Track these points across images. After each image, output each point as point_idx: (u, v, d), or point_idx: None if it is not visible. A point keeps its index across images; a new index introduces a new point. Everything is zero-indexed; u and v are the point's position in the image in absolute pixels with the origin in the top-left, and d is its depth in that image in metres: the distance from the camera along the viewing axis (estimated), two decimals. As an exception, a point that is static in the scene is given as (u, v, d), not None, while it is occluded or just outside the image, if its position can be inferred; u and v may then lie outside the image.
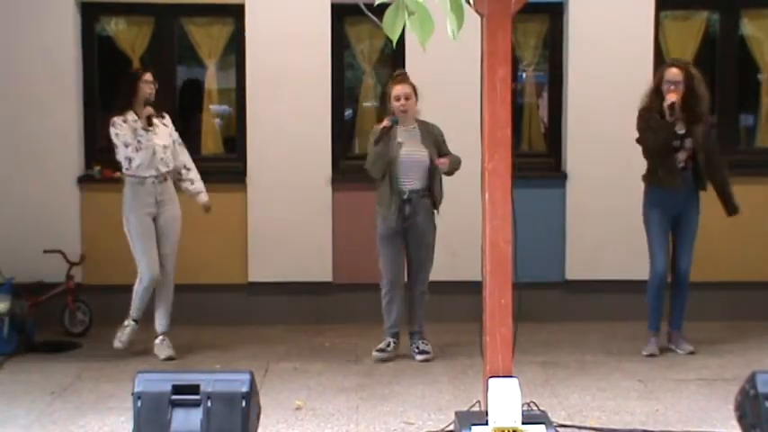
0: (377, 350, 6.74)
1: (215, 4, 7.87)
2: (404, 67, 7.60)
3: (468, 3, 3.65)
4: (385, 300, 6.79)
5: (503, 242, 4.60)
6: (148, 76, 6.74)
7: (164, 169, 6.72)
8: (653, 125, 6.68)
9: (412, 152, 6.65)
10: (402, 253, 6.77)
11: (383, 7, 3.49)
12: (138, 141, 6.59)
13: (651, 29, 7.80)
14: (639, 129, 6.78)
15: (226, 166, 7.97)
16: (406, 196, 6.66)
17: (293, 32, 7.69)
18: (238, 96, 7.94)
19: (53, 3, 7.66)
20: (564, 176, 7.88)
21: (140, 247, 6.71)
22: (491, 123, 4.59)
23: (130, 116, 6.66)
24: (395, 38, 3.49)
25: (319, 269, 7.80)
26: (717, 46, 8.11)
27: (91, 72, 7.84)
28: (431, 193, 6.71)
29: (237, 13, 7.79)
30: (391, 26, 3.46)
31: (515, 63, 7.90)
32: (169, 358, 6.79)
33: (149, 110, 6.65)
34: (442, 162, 6.60)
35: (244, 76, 7.81)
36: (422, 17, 3.41)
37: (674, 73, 6.67)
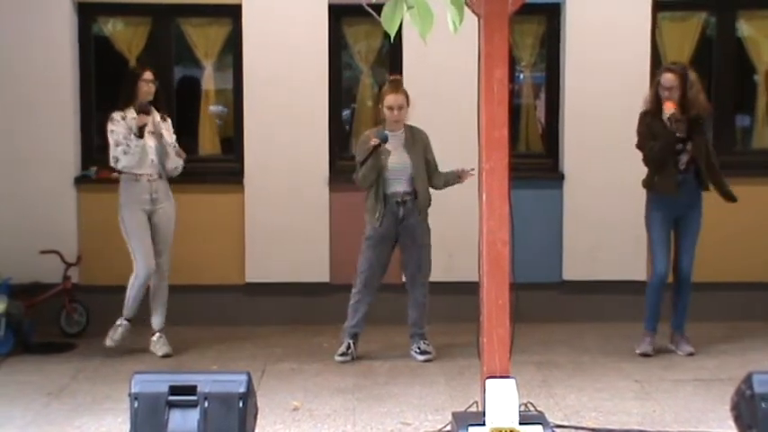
0: (339, 355, 6.75)
1: (212, 5, 7.86)
2: (401, 67, 7.62)
3: (466, 3, 3.65)
4: (354, 299, 6.81)
5: (500, 243, 4.60)
6: (148, 75, 6.78)
7: (154, 169, 6.77)
8: (654, 131, 6.68)
9: (399, 158, 6.67)
10: (385, 258, 6.78)
11: (382, 4, 3.49)
12: (128, 145, 6.62)
13: (648, 30, 7.80)
14: (639, 133, 6.79)
15: (223, 166, 7.97)
16: (399, 199, 6.67)
17: (290, 33, 7.68)
18: (235, 97, 7.93)
19: (50, 3, 7.65)
20: (561, 177, 7.88)
21: (135, 241, 6.76)
22: (488, 124, 4.59)
23: (130, 113, 6.70)
24: (393, 32, 3.49)
25: (316, 270, 7.79)
26: (714, 47, 8.12)
27: (88, 72, 7.83)
28: (417, 198, 6.72)
29: (234, 13, 7.78)
30: (390, 20, 3.46)
31: (512, 64, 7.89)
32: (166, 355, 6.82)
33: (144, 119, 6.66)
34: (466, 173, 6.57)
35: (241, 76, 7.80)
36: (421, 10, 3.41)
37: (667, 78, 6.67)
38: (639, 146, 6.80)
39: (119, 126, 6.67)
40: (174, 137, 6.94)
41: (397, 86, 6.74)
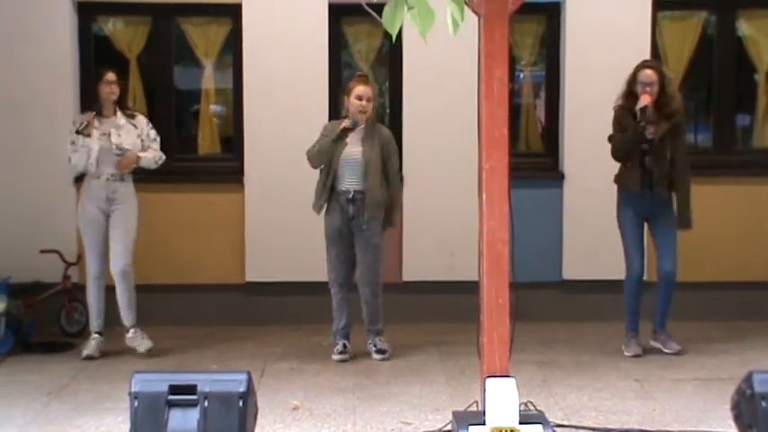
0: (337, 353, 6.74)
1: (212, 4, 7.86)
2: (401, 66, 7.62)
3: (466, 2, 3.65)
4: (334, 300, 6.82)
5: (500, 242, 4.60)
6: (109, 76, 6.81)
7: (115, 169, 6.74)
8: (624, 124, 6.69)
9: (352, 152, 6.63)
10: (348, 253, 6.75)
11: (383, 4, 3.49)
12: (73, 143, 6.68)
13: (648, 29, 7.80)
14: (613, 128, 6.81)
15: (223, 165, 7.97)
16: (350, 196, 6.65)
17: (290, 32, 7.69)
18: (235, 96, 7.93)
19: (50, 3, 7.65)
20: (561, 176, 7.88)
21: (87, 240, 6.83)
22: (488, 123, 4.59)
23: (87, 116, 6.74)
24: (394, 32, 3.49)
25: (316, 269, 7.77)
26: (714, 46, 8.12)
27: (87, 72, 7.82)
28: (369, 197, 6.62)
29: (235, 12, 7.78)
30: (391, 21, 3.46)
31: (512, 63, 7.89)
32: (149, 350, 6.78)
33: (90, 115, 6.69)
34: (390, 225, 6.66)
35: (241, 75, 7.80)
36: (422, 10, 3.41)
37: (647, 74, 6.68)
38: (609, 138, 6.81)
39: (74, 126, 6.77)
40: (154, 131, 6.92)
41: (367, 79, 6.78)
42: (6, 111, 7.62)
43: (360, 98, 6.62)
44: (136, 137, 6.82)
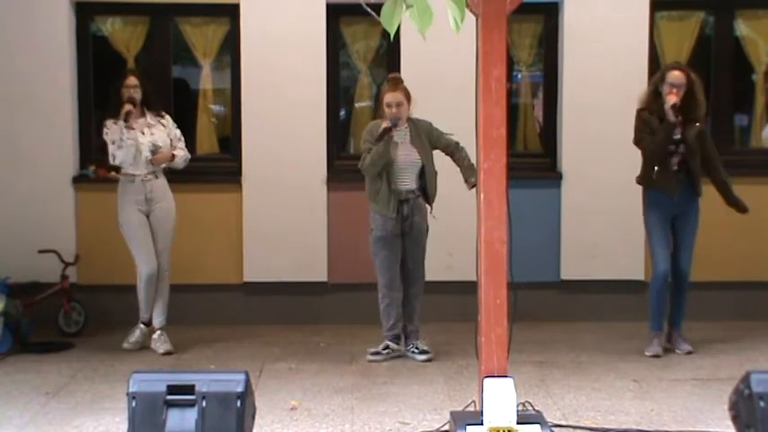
0: (372, 353, 6.73)
1: (210, 4, 7.86)
2: (399, 66, 7.62)
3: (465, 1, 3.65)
4: (384, 303, 6.77)
5: (498, 242, 4.60)
6: (130, 80, 6.90)
7: (149, 168, 6.83)
8: (652, 126, 6.70)
9: (407, 153, 6.68)
10: (398, 255, 6.77)
11: (381, 3, 3.49)
12: (121, 139, 6.71)
13: (646, 29, 7.80)
14: (637, 129, 6.80)
15: (221, 165, 7.97)
16: (403, 197, 6.67)
17: (288, 32, 7.68)
18: (233, 96, 7.93)
19: (47, 3, 7.64)
20: (559, 176, 7.89)
21: (135, 242, 6.87)
22: (486, 123, 4.59)
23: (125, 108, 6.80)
24: (392, 31, 3.49)
25: (315, 269, 7.79)
26: (712, 47, 8.12)
27: (86, 72, 7.83)
28: (424, 193, 6.73)
29: (233, 12, 7.78)
30: (389, 19, 3.46)
31: (510, 63, 7.90)
32: (167, 353, 6.86)
33: (128, 106, 6.77)
34: (472, 183, 6.59)
35: (239, 75, 7.80)
36: (420, 8, 3.41)
37: (676, 75, 6.69)
38: (636, 141, 6.82)
39: (112, 127, 6.80)
40: (178, 131, 7.04)
41: (396, 84, 6.72)
42: (3, 110, 7.62)
43: (389, 106, 6.64)
44: (166, 135, 6.94)
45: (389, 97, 6.66)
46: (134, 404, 4.19)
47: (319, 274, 7.82)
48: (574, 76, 7.79)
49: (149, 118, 6.94)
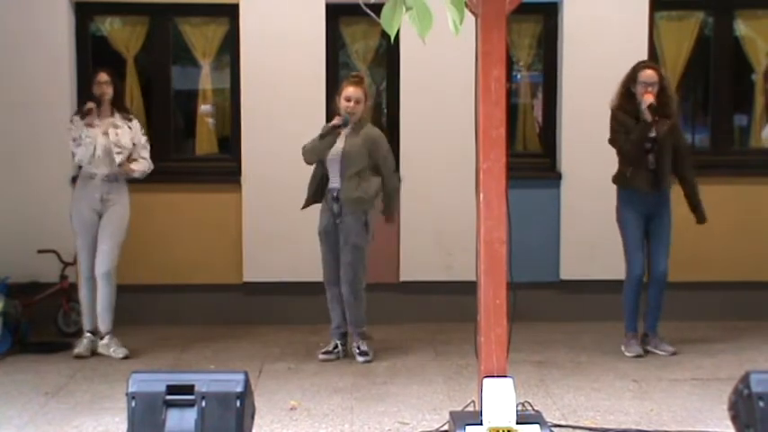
0: (323, 353, 6.74)
1: (210, 4, 7.86)
2: (398, 66, 7.62)
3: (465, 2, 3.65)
4: (327, 299, 6.81)
5: (497, 242, 4.60)
6: (101, 77, 6.83)
7: (110, 169, 6.76)
8: (628, 126, 6.70)
9: (336, 148, 6.62)
10: (335, 251, 6.72)
11: (381, 4, 3.49)
12: (80, 137, 6.69)
13: (646, 29, 7.80)
14: (612, 129, 6.81)
15: (220, 165, 7.97)
16: (334, 194, 6.65)
17: (288, 32, 7.68)
18: (233, 96, 7.93)
19: (47, 3, 7.64)
20: (558, 176, 7.89)
21: (81, 242, 6.82)
22: (486, 123, 4.59)
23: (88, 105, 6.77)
24: (393, 33, 3.49)
25: (314, 269, 7.77)
26: (711, 47, 8.12)
27: (85, 72, 7.82)
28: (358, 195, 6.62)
29: (232, 12, 7.78)
30: (389, 21, 3.46)
31: (510, 63, 7.90)
32: (127, 357, 6.73)
33: (90, 104, 6.73)
34: (389, 219, 6.71)
35: (238, 75, 7.80)
36: (420, 11, 3.41)
37: (649, 74, 6.70)
38: (612, 140, 6.82)
39: (77, 124, 6.76)
40: (145, 138, 6.92)
41: (358, 82, 6.71)
42: (3, 110, 7.61)
43: (348, 99, 6.61)
44: (129, 139, 6.83)
45: (350, 91, 6.62)
46: (133, 404, 4.19)
47: (318, 273, 7.79)
48: (573, 77, 7.80)
49: (117, 118, 6.83)
